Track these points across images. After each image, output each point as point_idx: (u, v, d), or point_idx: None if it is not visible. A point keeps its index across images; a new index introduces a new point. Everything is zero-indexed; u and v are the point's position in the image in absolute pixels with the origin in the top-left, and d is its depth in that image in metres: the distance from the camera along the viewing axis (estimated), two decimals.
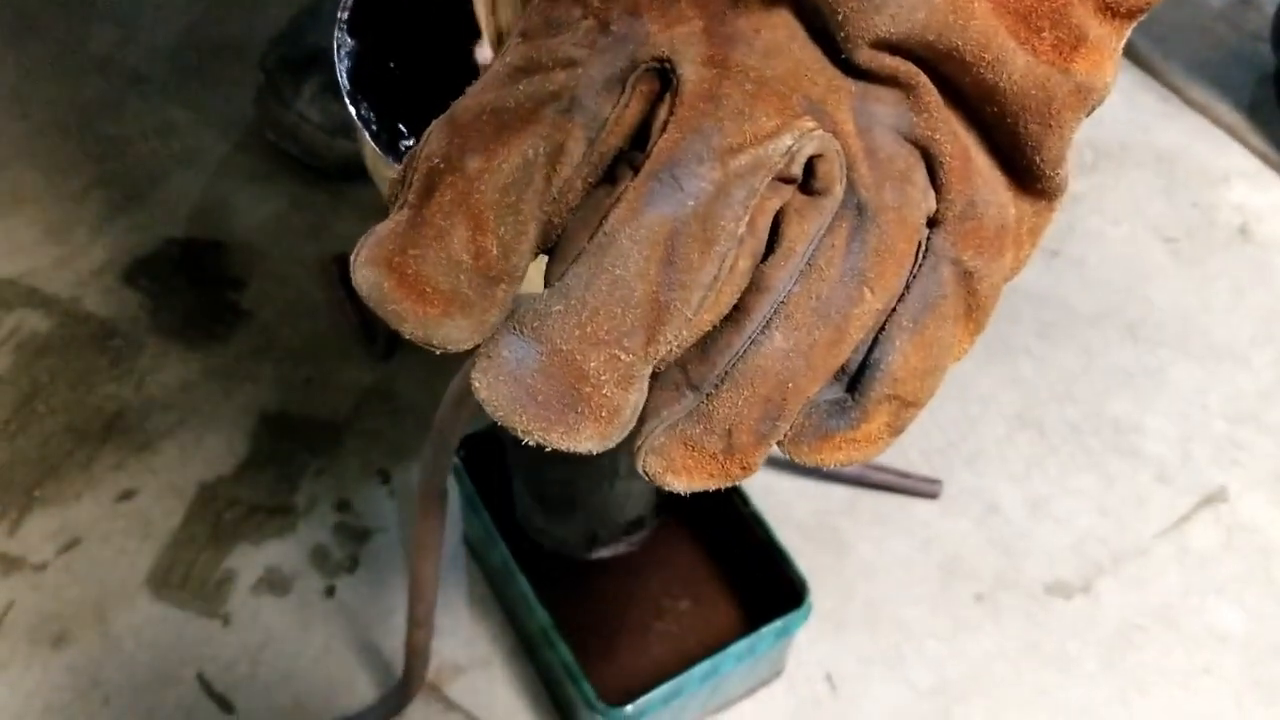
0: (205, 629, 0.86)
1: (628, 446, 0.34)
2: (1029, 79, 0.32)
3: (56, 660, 0.84)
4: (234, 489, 0.93)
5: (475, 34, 0.61)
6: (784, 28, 0.32)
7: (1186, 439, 1.02)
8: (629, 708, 0.73)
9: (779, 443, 0.33)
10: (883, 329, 0.33)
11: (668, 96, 0.31)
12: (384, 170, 0.53)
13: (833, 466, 0.34)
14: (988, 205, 0.33)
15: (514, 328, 0.30)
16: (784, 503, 0.95)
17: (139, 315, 1.02)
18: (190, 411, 0.97)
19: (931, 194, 0.33)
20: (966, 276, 0.33)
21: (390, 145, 0.56)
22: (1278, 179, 1.19)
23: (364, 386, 0.99)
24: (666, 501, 0.78)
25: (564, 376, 0.30)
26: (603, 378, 0.30)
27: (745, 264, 0.31)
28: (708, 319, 0.31)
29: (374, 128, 0.55)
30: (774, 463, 0.96)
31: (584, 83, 0.31)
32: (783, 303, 0.32)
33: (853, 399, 0.33)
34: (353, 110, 0.54)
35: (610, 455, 0.69)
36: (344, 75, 0.56)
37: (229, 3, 1.25)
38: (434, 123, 0.33)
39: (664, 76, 0.32)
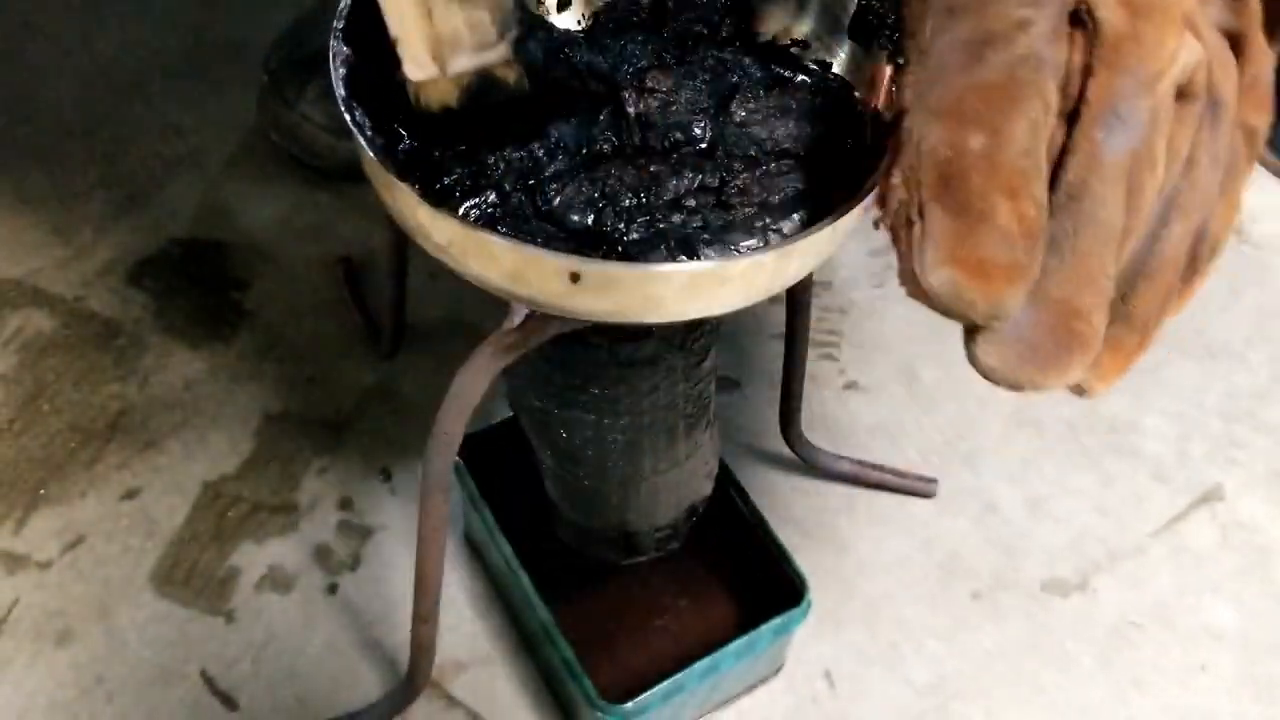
0: (209, 626, 0.86)
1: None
2: None
3: (60, 658, 0.84)
4: (237, 487, 0.93)
5: None
6: None
7: (1183, 438, 1.02)
8: (629, 705, 0.74)
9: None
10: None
11: (1077, 36, 0.34)
12: (380, 175, 0.54)
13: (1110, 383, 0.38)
14: (1266, 74, 0.37)
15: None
16: (783, 501, 0.95)
17: (143, 315, 1.03)
18: (194, 410, 0.97)
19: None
20: (1252, 134, 0.38)
21: (387, 150, 0.57)
22: (1274, 180, 1.20)
23: (367, 385, 0.99)
24: (699, 511, 0.78)
25: (1060, 321, 0.33)
26: (1092, 309, 0.33)
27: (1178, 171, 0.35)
28: (1145, 230, 0.35)
29: (369, 133, 0.55)
30: (774, 462, 0.97)
31: (1038, 39, 0.34)
32: (1175, 197, 0.35)
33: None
34: (347, 116, 0.55)
35: (634, 452, 0.69)
36: (339, 82, 0.57)
37: (232, 5, 1.26)
38: (907, 123, 0.36)
39: (1074, 18, 0.34)
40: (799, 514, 0.95)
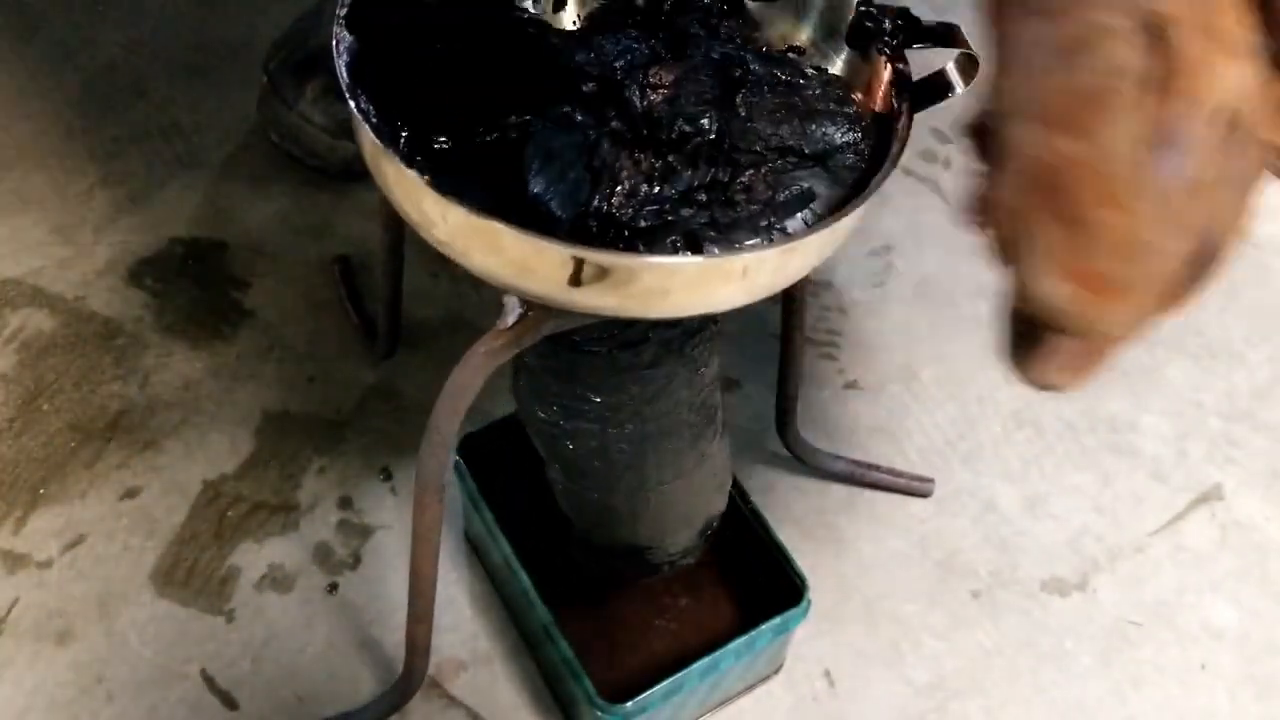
0: (209, 626, 0.86)
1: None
2: None
3: (61, 657, 0.84)
4: (237, 487, 0.93)
5: (471, 31, 0.62)
6: None
7: (1182, 437, 1.02)
8: (629, 704, 0.74)
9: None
10: None
11: (1153, 52, 0.33)
12: (384, 164, 0.54)
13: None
14: None
15: None
16: (783, 501, 0.95)
17: (143, 315, 1.03)
18: (194, 410, 0.97)
19: None
20: (1275, 151, 0.38)
21: (391, 140, 0.56)
22: (1273, 179, 1.19)
23: (366, 385, 1.00)
24: (712, 527, 0.78)
25: (1128, 254, 0.34)
26: (1155, 253, 0.34)
27: None
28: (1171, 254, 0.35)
29: (373, 120, 0.55)
30: (773, 462, 0.97)
31: (1125, 47, 0.33)
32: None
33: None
34: (352, 104, 0.55)
35: (641, 462, 0.69)
36: (343, 70, 0.56)
37: (232, 5, 1.26)
38: (1004, 128, 0.36)
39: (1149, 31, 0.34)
40: (799, 513, 0.95)
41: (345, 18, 0.58)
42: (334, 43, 0.57)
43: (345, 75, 0.56)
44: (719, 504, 0.77)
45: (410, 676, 0.79)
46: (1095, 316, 0.34)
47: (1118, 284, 0.33)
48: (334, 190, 1.11)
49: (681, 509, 0.74)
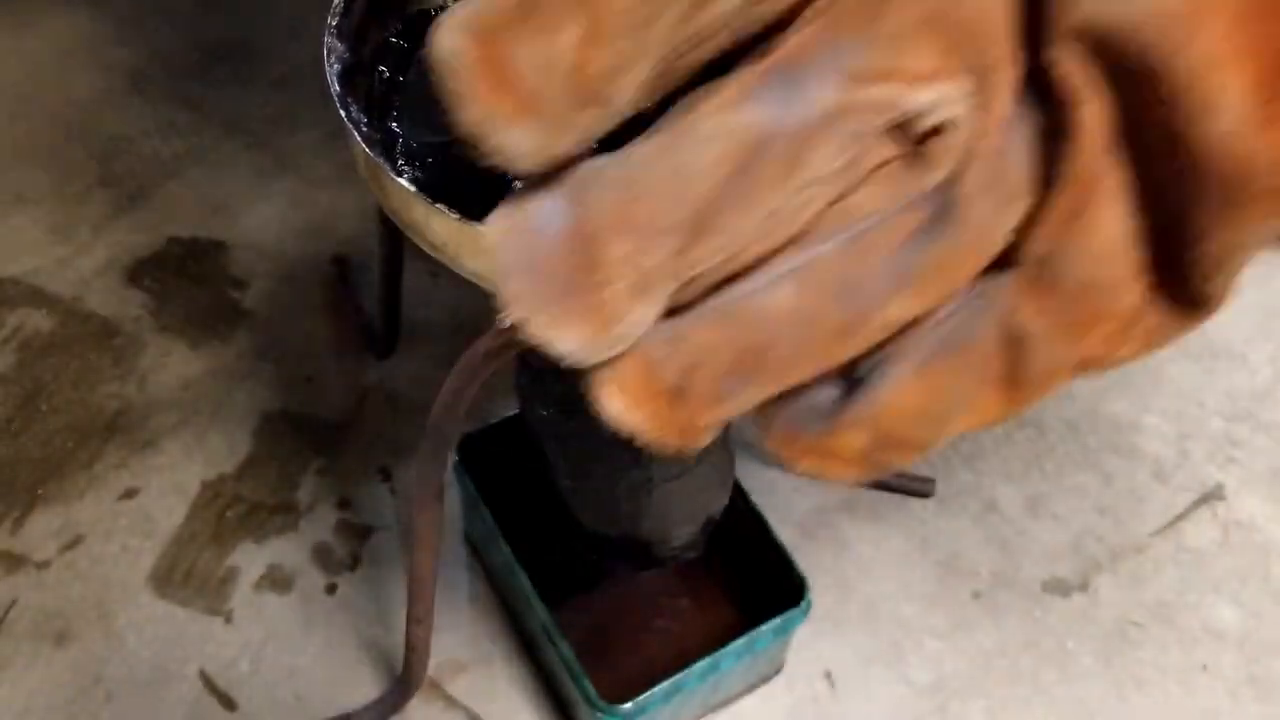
0: (207, 626, 0.86)
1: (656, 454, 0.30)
2: (1226, 146, 0.25)
3: (59, 658, 0.84)
4: (236, 487, 0.93)
5: None
6: None
7: (1184, 437, 1.02)
8: (629, 705, 0.74)
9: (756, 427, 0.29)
10: (895, 344, 0.28)
11: None
12: (377, 173, 0.54)
13: (801, 474, 0.29)
14: (1071, 274, 0.27)
15: (555, 183, 0.26)
16: (783, 500, 0.95)
17: (141, 314, 1.03)
18: (192, 410, 0.97)
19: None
20: (1016, 340, 0.28)
21: (385, 150, 0.56)
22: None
23: (365, 385, 0.99)
24: (714, 523, 0.78)
25: (578, 256, 0.26)
26: (616, 273, 0.26)
27: (819, 208, 0.26)
28: (754, 252, 0.26)
29: (364, 129, 0.55)
30: (773, 462, 0.97)
31: None
32: (813, 260, 0.27)
33: (836, 407, 0.29)
34: (343, 113, 0.55)
35: (643, 457, 0.69)
36: (334, 79, 0.57)
37: (232, 5, 1.25)
38: None
39: None
40: (799, 513, 0.95)
41: (336, 27, 0.58)
42: (325, 52, 0.57)
43: (335, 84, 0.56)
44: (721, 499, 0.77)
45: (410, 678, 0.79)
46: (486, 119, 0.25)
47: (527, 98, 0.25)
48: (333, 190, 1.11)
49: (684, 505, 0.74)
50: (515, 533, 0.80)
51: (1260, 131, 0.25)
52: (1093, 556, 0.95)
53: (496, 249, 0.26)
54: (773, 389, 0.28)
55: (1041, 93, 0.26)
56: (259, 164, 1.13)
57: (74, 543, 0.90)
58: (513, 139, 0.26)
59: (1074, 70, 0.26)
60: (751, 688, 0.86)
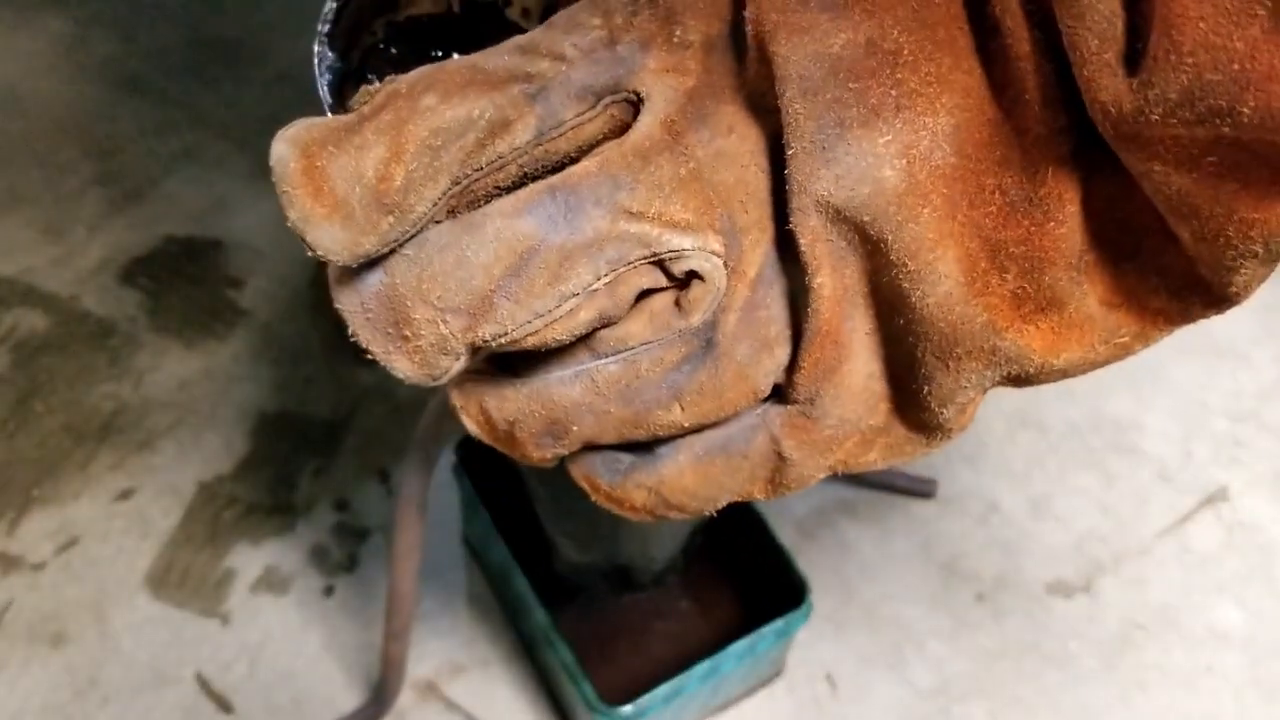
0: (204, 628, 0.86)
1: None
2: (943, 309, 0.30)
3: (55, 659, 0.84)
4: (233, 488, 0.93)
5: (454, 48, 0.61)
6: (753, 144, 0.31)
7: (1187, 438, 1.02)
8: (629, 707, 0.73)
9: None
10: (683, 435, 0.34)
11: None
12: None
13: (603, 506, 0.35)
14: (829, 413, 0.33)
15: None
16: (784, 502, 0.94)
17: (137, 314, 1.02)
18: (189, 410, 0.96)
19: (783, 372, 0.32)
20: (779, 457, 0.33)
21: None
22: None
23: (363, 386, 0.99)
24: (695, 542, 0.77)
25: (392, 311, 0.31)
26: (422, 332, 0.31)
27: (588, 316, 0.31)
28: (530, 342, 0.31)
29: None
30: None
31: (560, 80, 0.31)
32: (597, 368, 0.32)
33: (629, 468, 0.34)
34: None
35: None
36: (324, 89, 0.56)
37: (231, 5, 1.25)
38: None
39: (638, 113, 0.31)
40: (800, 515, 0.94)
41: (326, 34, 0.57)
42: (316, 61, 0.56)
43: (326, 93, 0.56)
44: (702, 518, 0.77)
45: (384, 695, 0.79)
46: (302, 220, 0.32)
47: (336, 204, 0.31)
48: None
49: (667, 526, 0.73)
50: (513, 535, 0.80)
51: (970, 300, 0.30)
52: (1096, 558, 0.94)
53: (337, 298, 0.32)
54: (578, 448, 0.33)
55: (794, 257, 0.31)
56: (255, 163, 1.12)
57: (69, 544, 0.89)
58: (325, 237, 0.31)
59: (813, 240, 0.30)
60: (752, 690, 0.85)
